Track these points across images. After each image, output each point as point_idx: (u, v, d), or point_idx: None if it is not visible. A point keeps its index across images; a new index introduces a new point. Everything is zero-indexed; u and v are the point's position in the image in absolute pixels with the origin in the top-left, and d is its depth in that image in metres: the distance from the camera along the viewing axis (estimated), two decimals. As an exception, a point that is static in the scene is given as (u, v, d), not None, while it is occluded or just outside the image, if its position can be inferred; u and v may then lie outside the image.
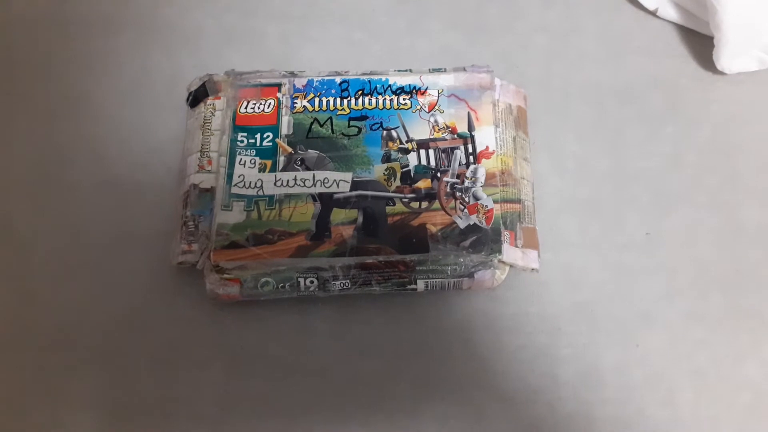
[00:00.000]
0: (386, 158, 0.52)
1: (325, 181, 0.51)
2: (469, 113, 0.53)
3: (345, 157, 0.52)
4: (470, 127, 0.53)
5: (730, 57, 0.58)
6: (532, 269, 0.51)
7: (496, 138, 0.53)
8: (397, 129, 0.53)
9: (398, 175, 0.51)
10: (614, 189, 0.57)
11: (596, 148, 0.59)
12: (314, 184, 0.51)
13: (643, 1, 0.62)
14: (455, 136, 0.53)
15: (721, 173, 0.57)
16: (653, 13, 0.62)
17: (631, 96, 0.60)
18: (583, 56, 0.62)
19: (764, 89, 0.60)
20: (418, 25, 0.63)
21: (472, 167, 0.52)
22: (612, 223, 0.56)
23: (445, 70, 0.55)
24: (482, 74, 0.55)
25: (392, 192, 0.51)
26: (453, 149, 0.52)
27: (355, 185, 0.51)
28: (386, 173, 0.51)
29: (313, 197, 0.50)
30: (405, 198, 0.51)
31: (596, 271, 0.54)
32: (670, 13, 0.61)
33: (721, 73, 0.60)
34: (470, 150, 0.52)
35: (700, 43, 0.61)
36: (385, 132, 0.53)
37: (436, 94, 0.54)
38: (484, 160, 0.52)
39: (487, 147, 0.52)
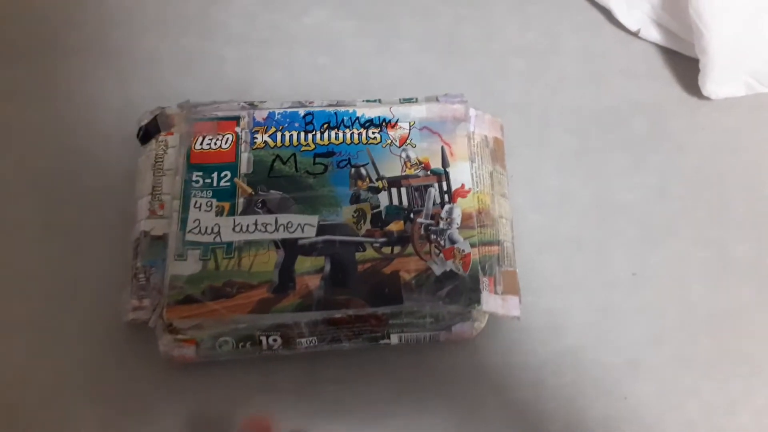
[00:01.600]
0: (355, 199, 0.48)
1: (289, 225, 0.47)
2: (442, 147, 0.50)
3: (310, 198, 0.48)
4: (444, 163, 0.49)
5: (716, 82, 0.55)
6: (513, 317, 0.47)
7: (471, 174, 0.49)
8: (366, 166, 0.49)
9: (368, 218, 0.47)
10: (598, 224, 0.54)
11: (578, 179, 0.55)
12: (277, 229, 0.47)
13: (625, 21, 0.58)
14: (429, 172, 0.49)
15: (709, 205, 0.55)
16: (635, 34, 0.59)
17: (613, 122, 0.57)
18: (563, 80, 0.59)
19: (752, 115, 0.58)
20: (387, 47, 0.59)
21: (447, 207, 0.48)
22: (596, 261, 0.53)
23: (416, 101, 0.52)
24: (456, 105, 0.51)
25: (362, 236, 0.47)
26: (426, 187, 0.48)
27: (322, 230, 0.47)
28: (355, 215, 0.47)
29: (276, 244, 0.46)
30: (376, 242, 0.47)
31: (580, 314, 0.51)
32: (653, 34, 0.58)
33: (707, 97, 0.57)
34: (445, 188, 0.48)
35: (683, 65, 0.58)
36: (353, 170, 0.49)
37: (408, 127, 0.50)
38: (459, 199, 0.48)
39: (463, 185, 0.49)
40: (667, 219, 0.54)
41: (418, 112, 0.51)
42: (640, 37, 0.59)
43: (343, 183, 0.48)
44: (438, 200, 0.48)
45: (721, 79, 0.55)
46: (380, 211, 0.48)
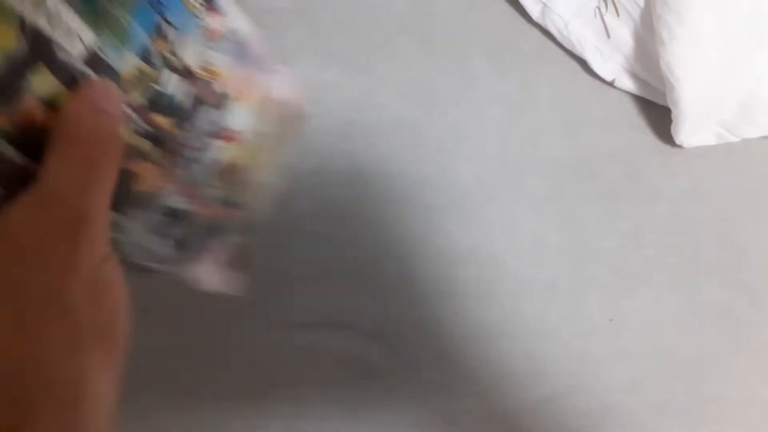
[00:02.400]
0: (146, 56, 0.30)
1: (57, 17, 0.26)
2: (239, 79, 0.36)
3: (98, 12, 0.28)
4: (232, 95, 0.36)
5: (688, 132, 0.57)
6: (228, 293, 0.38)
7: (249, 125, 0.38)
8: (176, 32, 0.32)
9: (147, 90, 0.31)
10: (574, 270, 0.55)
11: (553, 226, 0.56)
12: (37, 11, 0.26)
13: (600, 72, 0.60)
14: (216, 93, 0.35)
15: (682, 252, 0.56)
16: (610, 84, 0.60)
17: (588, 170, 0.58)
18: (539, 128, 0.60)
19: (723, 163, 0.59)
20: (367, 95, 0.60)
21: (207, 140, 0.35)
22: (572, 307, 0.54)
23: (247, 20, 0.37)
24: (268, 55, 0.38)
25: (129, 107, 0.30)
26: (204, 104, 0.34)
27: (92, 61, 0.27)
28: (137, 75, 0.30)
29: (24, 25, 0.25)
30: (139, 127, 0.30)
31: (557, 360, 0.52)
32: (628, 84, 0.60)
33: (680, 145, 0.58)
34: (219, 120, 0.36)
35: (658, 114, 0.60)
36: (162, 22, 0.31)
37: (225, 30, 0.35)
38: (223, 142, 0.36)
39: (236, 130, 0.37)
40: (641, 266, 0.55)
41: (243, 28, 0.36)
42: (615, 87, 0.60)
43: (145, 26, 0.30)
44: (206, 127, 0.35)
45: (692, 129, 0.57)
46: (165, 94, 0.32)
